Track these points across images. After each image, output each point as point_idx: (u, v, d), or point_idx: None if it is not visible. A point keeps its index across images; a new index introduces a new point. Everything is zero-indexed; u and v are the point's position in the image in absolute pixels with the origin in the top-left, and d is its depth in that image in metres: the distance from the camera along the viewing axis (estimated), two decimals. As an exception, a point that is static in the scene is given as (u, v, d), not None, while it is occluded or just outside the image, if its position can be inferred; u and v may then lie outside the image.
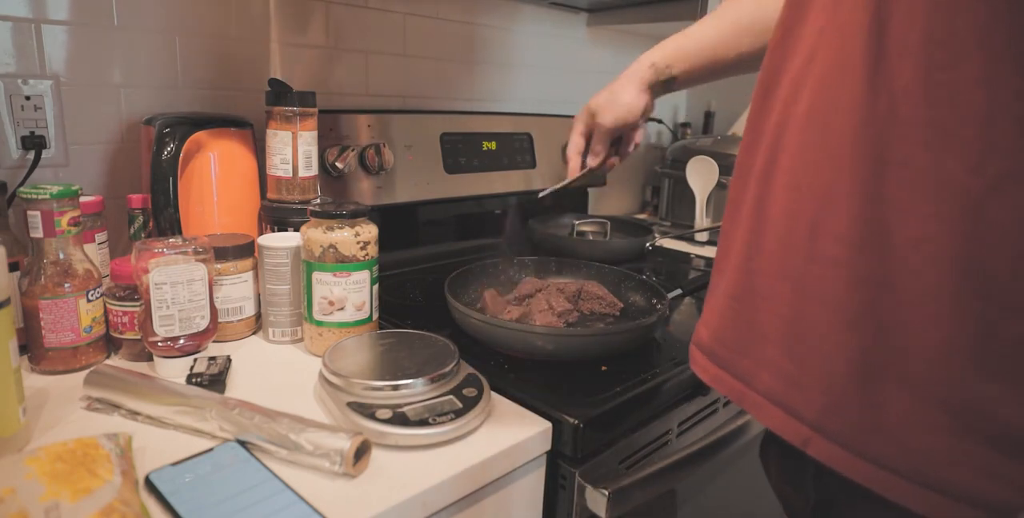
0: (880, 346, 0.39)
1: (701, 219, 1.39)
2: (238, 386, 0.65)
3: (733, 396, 0.48)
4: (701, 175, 1.38)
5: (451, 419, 0.56)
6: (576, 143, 0.84)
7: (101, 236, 0.77)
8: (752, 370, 0.47)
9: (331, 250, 0.69)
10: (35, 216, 0.62)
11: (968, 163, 0.35)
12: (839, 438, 0.41)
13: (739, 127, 1.76)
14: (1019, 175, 0.34)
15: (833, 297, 0.41)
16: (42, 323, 0.64)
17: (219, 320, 0.72)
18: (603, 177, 0.84)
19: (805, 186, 0.42)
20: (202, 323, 0.67)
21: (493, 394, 0.64)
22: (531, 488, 0.63)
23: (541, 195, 0.90)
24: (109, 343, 0.70)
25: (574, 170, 0.85)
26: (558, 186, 0.88)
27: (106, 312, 0.69)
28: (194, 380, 0.63)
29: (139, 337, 0.68)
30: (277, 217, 0.81)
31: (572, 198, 1.45)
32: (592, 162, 0.84)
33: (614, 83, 0.81)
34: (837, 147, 0.40)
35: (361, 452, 0.52)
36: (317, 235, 0.69)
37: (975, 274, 0.35)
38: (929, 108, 0.36)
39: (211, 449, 0.52)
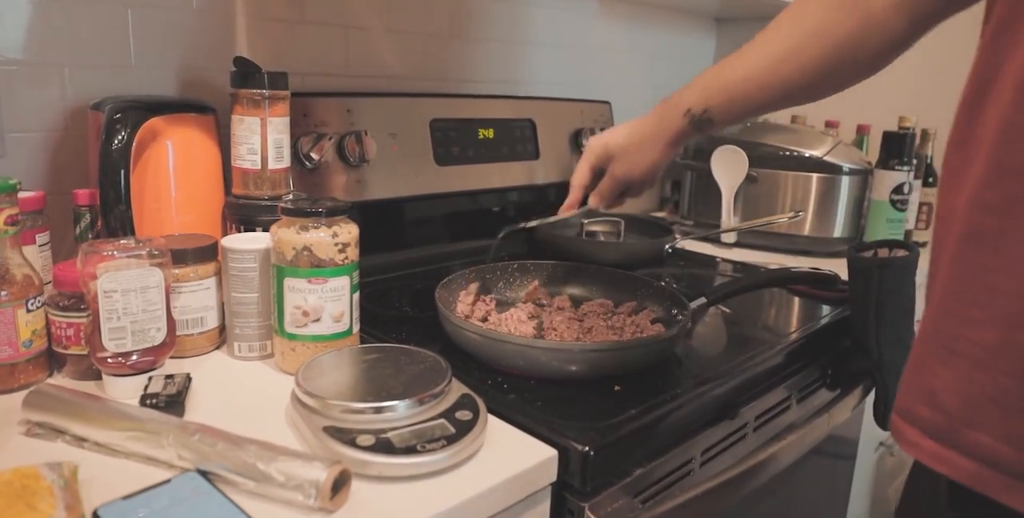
0: None
1: (728, 218, 1.39)
2: (199, 408, 0.65)
3: (965, 478, 0.46)
4: (728, 167, 1.38)
5: (442, 446, 0.56)
6: (582, 175, 0.85)
7: (43, 237, 0.77)
8: (996, 448, 0.44)
9: (305, 253, 0.69)
10: (-33, 214, 0.63)
11: None
12: None
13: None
14: None
15: None
16: (-25, 336, 0.64)
17: (177, 333, 0.72)
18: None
19: None
20: (158, 336, 0.67)
21: (490, 417, 0.64)
22: (534, 525, 0.63)
23: (527, 226, 0.93)
24: (51, 359, 0.70)
25: (571, 204, 0.87)
26: (548, 220, 0.91)
27: (48, 324, 0.69)
28: (149, 401, 0.63)
29: (86, 352, 0.68)
30: (244, 215, 0.82)
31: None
32: (594, 204, 0.86)
33: (642, 127, 0.82)
34: None
35: (340, 484, 0.52)
36: (289, 236, 0.69)
37: None
38: None
39: (168, 480, 0.52)
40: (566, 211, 0.88)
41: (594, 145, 0.85)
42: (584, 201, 0.88)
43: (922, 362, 0.49)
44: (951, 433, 0.46)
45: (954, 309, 0.47)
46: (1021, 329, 0.43)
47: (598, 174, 0.86)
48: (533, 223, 0.93)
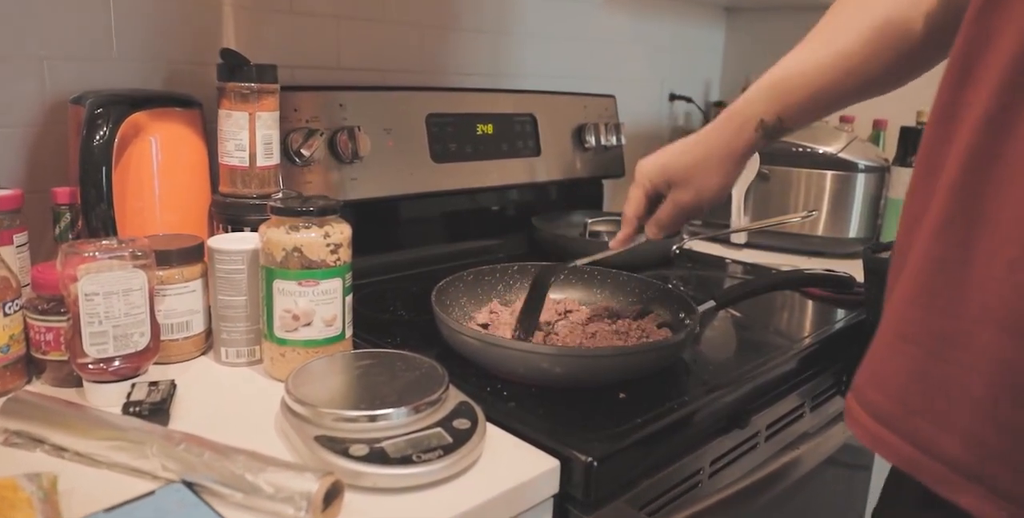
0: None
1: (738, 217, 1.39)
2: (184, 417, 0.65)
3: (903, 464, 0.48)
4: (738, 164, 1.38)
5: (439, 456, 0.56)
6: (637, 204, 0.79)
7: (20, 237, 0.77)
8: (935, 436, 0.46)
9: (296, 254, 0.69)
10: (-58, 213, 0.63)
11: None
12: None
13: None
14: None
15: None
16: (-50, 341, 0.65)
17: (162, 338, 0.72)
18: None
19: None
20: (141, 341, 0.67)
21: (489, 426, 0.64)
22: (535, 539, 0.63)
23: (577, 264, 0.86)
24: (30, 365, 0.70)
25: (625, 238, 0.80)
26: (601, 255, 0.84)
27: (26, 328, 0.69)
28: (132, 409, 0.63)
29: (66, 358, 0.68)
30: (231, 214, 0.82)
31: (583, 192, 1.45)
32: (654, 235, 0.79)
33: (706, 146, 0.75)
34: None
35: (332, 496, 0.52)
36: (279, 236, 0.69)
37: None
38: None
39: (152, 492, 0.52)
40: (620, 245, 0.81)
41: (648, 169, 0.77)
42: (640, 230, 0.80)
43: (877, 345, 0.52)
44: (896, 418, 0.48)
45: (916, 297, 0.48)
46: (980, 323, 0.44)
47: (653, 201, 0.79)
48: (584, 262, 0.85)
